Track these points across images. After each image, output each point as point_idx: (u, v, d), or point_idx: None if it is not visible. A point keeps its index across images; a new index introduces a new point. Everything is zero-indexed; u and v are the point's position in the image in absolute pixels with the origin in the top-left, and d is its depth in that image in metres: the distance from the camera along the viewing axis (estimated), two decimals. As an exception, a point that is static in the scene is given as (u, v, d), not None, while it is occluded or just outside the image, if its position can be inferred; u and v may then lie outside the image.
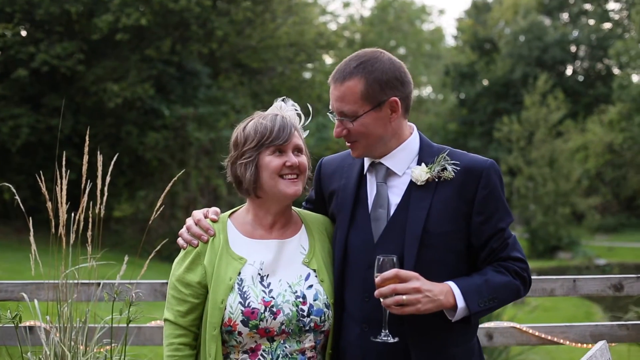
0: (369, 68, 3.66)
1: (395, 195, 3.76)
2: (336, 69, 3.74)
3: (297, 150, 3.76)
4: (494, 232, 3.65)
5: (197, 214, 3.88)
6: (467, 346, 3.76)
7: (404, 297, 3.37)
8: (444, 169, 3.66)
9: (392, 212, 3.73)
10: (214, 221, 3.83)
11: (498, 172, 3.72)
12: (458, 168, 3.66)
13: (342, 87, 3.66)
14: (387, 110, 3.70)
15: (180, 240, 3.81)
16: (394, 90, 3.70)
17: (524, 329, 6.00)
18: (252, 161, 3.72)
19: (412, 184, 3.72)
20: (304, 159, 3.78)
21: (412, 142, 3.82)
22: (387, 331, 3.51)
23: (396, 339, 3.52)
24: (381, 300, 3.42)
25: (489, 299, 3.55)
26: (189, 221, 3.85)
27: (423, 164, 3.71)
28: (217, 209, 3.92)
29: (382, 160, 3.78)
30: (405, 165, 3.77)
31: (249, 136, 3.74)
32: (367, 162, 3.87)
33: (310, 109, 3.96)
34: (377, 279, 3.41)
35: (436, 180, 3.67)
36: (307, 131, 3.96)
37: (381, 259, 3.42)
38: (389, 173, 3.79)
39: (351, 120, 3.66)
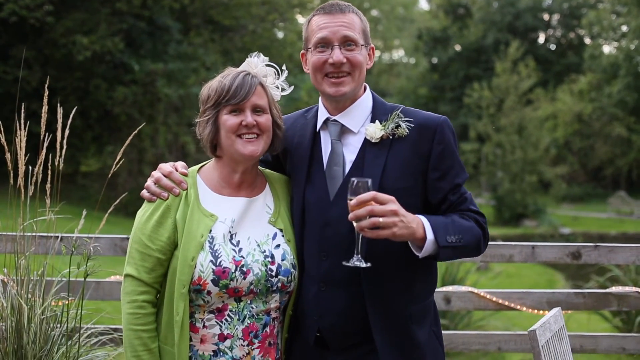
0: (358, 12, 3.78)
1: (350, 153, 3.74)
2: (329, 4, 3.75)
3: (258, 109, 3.67)
4: (450, 188, 3.64)
5: (167, 166, 3.77)
6: (424, 304, 3.76)
7: (381, 219, 3.27)
8: (398, 126, 3.64)
9: (347, 169, 3.71)
10: (184, 175, 3.74)
11: (451, 129, 3.73)
12: (412, 125, 3.65)
13: (345, 16, 3.69)
14: (367, 55, 3.77)
15: (146, 193, 3.70)
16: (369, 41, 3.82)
17: (482, 294, 6.04)
18: (211, 120, 3.66)
19: (366, 141, 3.70)
20: (264, 118, 3.67)
21: (366, 99, 3.82)
22: (359, 256, 3.40)
23: (368, 264, 3.41)
24: (355, 224, 3.32)
25: (455, 238, 3.50)
26: (157, 174, 3.74)
27: (377, 122, 3.70)
28: (184, 164, 3.84)
29: (337, 118, 3.77)
30: (360, 123, 3.76)
31: (210, 95, 3.67)
32: (320, 120, 3.84)
33: (285, 68, 3.93)
34: (351, 202, 3.29)
35: (391, 137, 3.65)
36: (285, 90, 3.91)
37: (355, 182, 3.30)
38: (344, 131, 3.77)
39: (355, 46, 3.67)
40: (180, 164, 3.81)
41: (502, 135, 42.47)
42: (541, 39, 63.60)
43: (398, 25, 69.17)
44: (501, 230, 35.92)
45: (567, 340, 4.82)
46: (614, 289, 6.19)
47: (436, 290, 5.76)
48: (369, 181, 3.30)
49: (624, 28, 51.14)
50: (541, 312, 6.00)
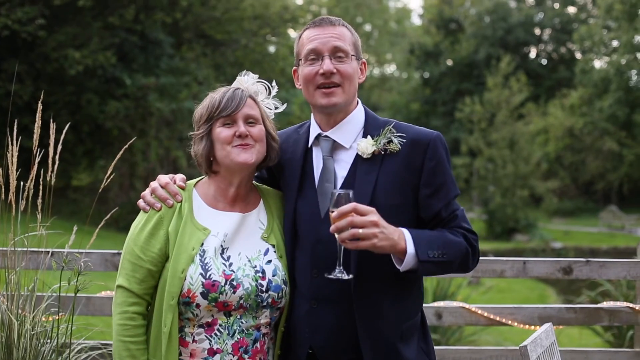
0: (348, 26, 3.79)
1: (342, 169, 3.73)
2: (319, 19, 3.78)
3: (250, 120, 3.69)
4: (442, 205, 3.62)
5: (164, 177, 3.80)
6: (414, 321, 3.73)
7: (360, 230, 3.28)
8: (390, 141, 3.63)
9: (338, 185, 3.70)
10: (181, 188, 3.76)
11: (444, 144, 3.72)
12: (404, 140, 3.64)
13: (335, 29, 3.71)
14: (358, 68, 3.78)
15: (141, 202, 3.72)
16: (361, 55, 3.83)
17: (473, 309, 6.03)
18: (204, 135, 3.69)
19: (358, 157, 3.69)
20: (257, 128, 3.70)
21: (358, 114, 3.81)
22: (341, 267, 3.42)
23: (350, 276, 3.44)
24: (336, 235, 3.34)
25: (438, 253, 3.47)
26: (154, 184, 3.76)
27: (369, 137, 3.69)
28: (184, 176, 3.86)
29: (329, 134, 3.76)
30: (352, 138, 3.75)
31: (202, 113, 3.71)
32: (312, 136, 3.84)
33: (275, 84, 3.94)
34: (333, 214, 3.32)
35: (382, 152, 3.63)
36: (278, 109, 3.93)
37: (337, 193, 3.33)
38: (336, 146, 3.76)
39: (345, 57, 3.68)
40: (179, 177, 3.83)
41: (494, 149, 42.53)
42: (532, 53, 63.83)
43: (390, 40, 69.37)
44: (492, 244, 35.95)
45: (559, 356, 4.82)
46: (605, 304, 6.18)
47: (427, 305, 5.77)
48: (351, 193, 3.33)
49: (615, 43, 51.35)
50: (532, 327, 6.00)
